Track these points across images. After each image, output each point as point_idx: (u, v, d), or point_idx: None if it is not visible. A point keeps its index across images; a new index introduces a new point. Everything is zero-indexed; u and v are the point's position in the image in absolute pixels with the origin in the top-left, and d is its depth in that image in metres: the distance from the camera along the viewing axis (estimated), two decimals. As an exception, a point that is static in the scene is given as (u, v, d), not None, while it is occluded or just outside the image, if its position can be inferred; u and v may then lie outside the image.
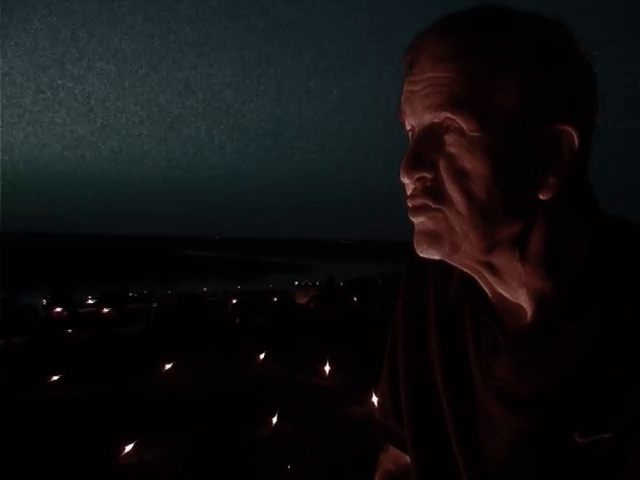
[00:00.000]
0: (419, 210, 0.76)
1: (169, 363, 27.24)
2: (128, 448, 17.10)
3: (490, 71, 0.71)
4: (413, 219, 0.77)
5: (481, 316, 0.84)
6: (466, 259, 0.77)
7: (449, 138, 0.73)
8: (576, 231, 0.77)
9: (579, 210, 0.78)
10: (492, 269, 0.78)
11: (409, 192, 0.77)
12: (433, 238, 0.75)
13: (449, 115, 0.72)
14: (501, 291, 0.81)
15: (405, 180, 0.77)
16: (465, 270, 0.81)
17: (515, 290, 0.79)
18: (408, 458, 0.96)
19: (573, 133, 0.73)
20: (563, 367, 0.74)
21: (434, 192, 0.74)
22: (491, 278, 0.79)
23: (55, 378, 24.92)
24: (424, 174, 0.74)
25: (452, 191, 0.73)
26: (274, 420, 19.28)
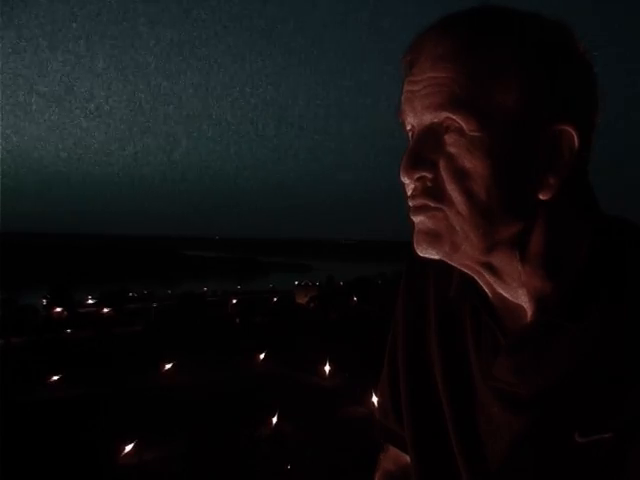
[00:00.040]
0: (419, 210, 0.76)
1: (169, 363, 27.24)
2: (128, 448, 17.11)
3: (490, 71, 0.71)
4: (413, 218, 0.77)
5: (481, 316, 0.84)
6: (466, 259, 0.77)
7: (449, 138, 0.73)
8: (576, 231, 0.77)
9: (579, 210, 0.77)
10: (492, 269, 0.78)
11: (409, 192, 0.77)
12: (433, 237, 0.75)
13: (449, 115, 0.72)
14: (501, 291, 0.81)
15: (405, 180, 0.76)
16: (465, 270, 0.80)
17: (515, 290, 0.79)
18: (408, 458, 0.96)
19: (573, 133, 0.73)
20: (563, 367, 0.74)
21: (434, 192, 0.74)
22: (491, 278, 0.79)
23: (55, 378, 24.92)
24: (424, 174, 0.74)
25: (452, 191, 0.73)
26: (274, 420, 19.29)
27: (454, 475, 0.86)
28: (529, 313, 0.78)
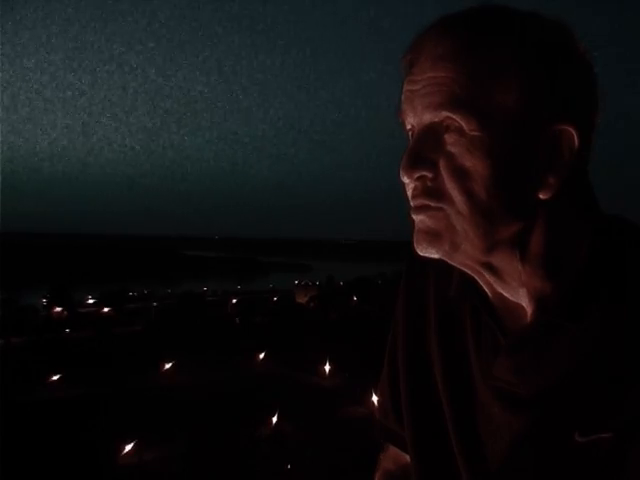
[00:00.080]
0: (420, 209, 0.76)
1: (169, 363, 27.24)
2: (128, 448, 17.11)
3: (490, 71, 0.71)
4: (414, 218, 0.77)
5: (481, 316, 0.84)
6: (466, 259, 0.77)
7: (449, 137, 0.73)
8: (576, 231, 0.77)
9: (579, 210, 0.77)
10: (492, 269, 0.78)
11: (410, 192, 0.77)
12: (433, 236, 0.75)
13: (449, 114, 0.72)
14: (501, 291, 0.81)
15: (405, 179, 0.76)
16: (465, 270, 0.80)
17: (515, 290, 0.79)
18: (408, 458, 0.96)
19: (573, 133, 0.73)
20: (563, 367, 0.74)
21: (434, 191, 0.74)
22: (491, 278, 0.79)
23: (55, 378, 24.92)
24: (424, 173, 0.74)
25: (452, 190, 0.73)
26: (274, 420, 19.29)
27: (454, 475, 0.86)
28: (529, 313, 0.78)
